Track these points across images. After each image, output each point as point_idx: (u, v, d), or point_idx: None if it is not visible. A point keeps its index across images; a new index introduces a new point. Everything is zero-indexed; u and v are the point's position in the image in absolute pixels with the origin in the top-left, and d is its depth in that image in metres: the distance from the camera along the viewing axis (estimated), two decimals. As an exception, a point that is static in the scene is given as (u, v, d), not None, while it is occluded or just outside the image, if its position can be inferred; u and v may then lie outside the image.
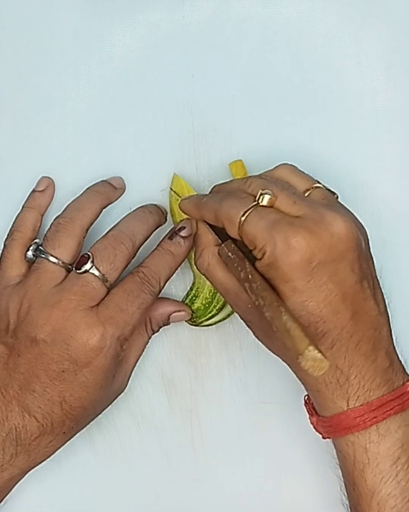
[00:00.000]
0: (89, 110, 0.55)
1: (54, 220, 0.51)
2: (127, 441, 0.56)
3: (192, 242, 0.51)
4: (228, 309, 0.55)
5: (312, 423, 0.49)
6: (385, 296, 0.48)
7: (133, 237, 0.49)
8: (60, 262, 0.49)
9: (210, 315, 0.54)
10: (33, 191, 0.54)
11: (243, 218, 0.45)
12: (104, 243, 0.49)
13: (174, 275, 0.51)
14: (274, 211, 0.45)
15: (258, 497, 0.56)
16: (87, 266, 0.48)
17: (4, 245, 0.52)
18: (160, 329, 0.53)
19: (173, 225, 0.53)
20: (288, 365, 0.48)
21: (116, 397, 0.52)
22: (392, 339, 0.47)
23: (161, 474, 0.57)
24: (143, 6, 0.55)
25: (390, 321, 0.48)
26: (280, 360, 0.48)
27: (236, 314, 0.50)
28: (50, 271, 0.49)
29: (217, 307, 0.54)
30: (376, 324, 0.46)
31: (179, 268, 0.51)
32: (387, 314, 0.48)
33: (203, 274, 0.50)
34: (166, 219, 0.53)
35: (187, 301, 0.55)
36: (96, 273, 0.48)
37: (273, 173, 0.49)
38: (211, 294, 0.54)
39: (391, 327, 0.48)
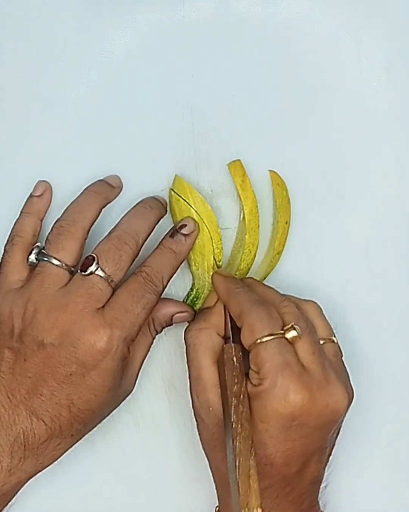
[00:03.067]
0: (89, 110, 0.55)
1: (55, 223, 0.51)
2: (127, 441, 0.56)
3: (193, 240, 0.52)
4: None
5: None
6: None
7: (136, 237, 0.49)
8: (63, 265, 0.49)
9: (211, 315, 0.54)
10: (31, 196, 0.54)
11: (263, 339, 0.46)
12: (108, 244, 0.49)
13: (174, 275, 0.51)
14: (292, 352, 0.46)
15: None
16: (92, 267, 0.48)
17: (5, 250, 0.52)
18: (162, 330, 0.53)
19: (172, 225, 0.53)
20: (212, 472, 0.50)
21: (124, 399, 0.51)
22: (319, 490, 0.50)
23: (161, 474, 0.57)
24: (143, 6, 0.55)
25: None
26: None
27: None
28: (53, 274, 0.49)
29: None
30: (314, 480, 0.48)
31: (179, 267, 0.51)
32: (325, 472, 0.50)
33: (186, 345, 0.50)
34: (166, 210, 0.53)
35: (188, 301, 0.54)
36: (102, 274, 0.48)
37: (302, 306, 0.50)
38: (212, 295, 0.54)
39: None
